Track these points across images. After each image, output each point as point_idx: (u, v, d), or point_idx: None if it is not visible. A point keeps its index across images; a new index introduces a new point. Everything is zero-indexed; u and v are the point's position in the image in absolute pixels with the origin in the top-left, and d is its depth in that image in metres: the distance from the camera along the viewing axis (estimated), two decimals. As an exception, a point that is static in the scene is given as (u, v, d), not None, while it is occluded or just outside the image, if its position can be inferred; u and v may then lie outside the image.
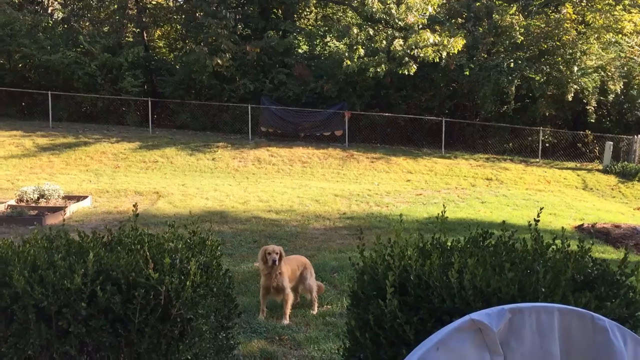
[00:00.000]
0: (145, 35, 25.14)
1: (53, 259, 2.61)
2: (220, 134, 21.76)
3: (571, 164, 20.51)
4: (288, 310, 5.87)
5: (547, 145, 21.49)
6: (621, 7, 21.31)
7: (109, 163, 17.27)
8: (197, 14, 23.07)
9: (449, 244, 3.06)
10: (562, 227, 2.93)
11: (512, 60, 20.89)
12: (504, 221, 3.19)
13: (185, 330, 2.60)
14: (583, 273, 2.62)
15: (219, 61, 20.97)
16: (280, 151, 19.24)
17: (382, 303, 2.50)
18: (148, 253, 2.54)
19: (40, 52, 22.13)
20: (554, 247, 2.90)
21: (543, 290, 2.39)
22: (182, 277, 2.59)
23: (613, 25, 21.31)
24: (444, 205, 3.31)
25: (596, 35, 21.37)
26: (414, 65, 19.99)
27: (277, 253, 5.76)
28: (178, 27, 25.79)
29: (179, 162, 17.81)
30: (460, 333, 2.10)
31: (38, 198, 11.45)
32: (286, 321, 5.78)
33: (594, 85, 20.40)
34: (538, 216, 2.92)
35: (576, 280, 2.58)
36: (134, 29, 25.77)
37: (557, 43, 20.86)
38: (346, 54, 20.15)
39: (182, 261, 2.65)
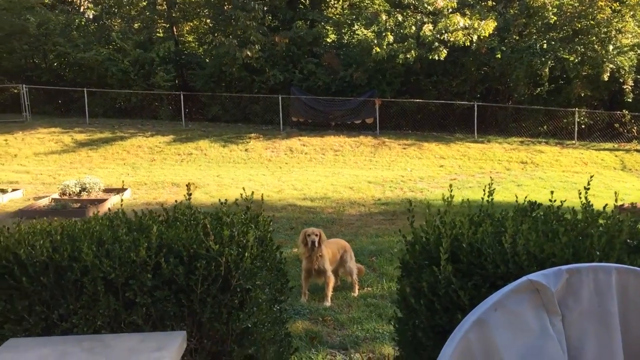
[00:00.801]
0: (175, 30, 25.46)
1: (117, 235, 2.74)
2: (252, 125, 21.98)
3: (608, 145, 20.09)
4: (330, 292, 5.96)
5: (582, 126, 21.08)
6: (658, -18, 20.71)
7: (145, 156, 17.63)
8: (226, 7, 23.25)
9: (497, 215, 3.09)
10: (616, 193, 2.93)
11: (545, 41, 20.51)
12: (552, 191, 3.20)
13: (244, 300, 2.70)
14: (637, 238, 2.63)
15: (249, 53, 21.13)
16: (311, 140, 19.34)
17: (436, 269, 2.55)
18: (209, 226, 2.65)
19: (74, 50, 22.68)
20: (605, 214, 2.91)
21: (598, 253, 2.41)
22: (240, 250, 2.69)
23: (650, 2, 20.74)
24: (491, 178, 3.34)
25: (632, 13, 20.80)
26: (444, 50, 19.78)
27: (316, 235, 5.82)
28: (207, 20, 26.03)
29: (212, 154, 18.07)
30: (517, 294, 2.13)
31: (80, 191, 11.80)
32: (328, 303, 5.86)
33: (631, 64, 19.92)
34: (588, 184, 2.92)
35: (629, 245, 2.59)
36: (164, 24, 26.14)
37: (592, 22, 20.40)
38: (375, 41, 20.05)
39: (239, 234, 2.75)
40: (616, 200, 2.83)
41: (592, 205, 2.96)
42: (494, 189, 3.18)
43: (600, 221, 2.88)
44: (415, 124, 21.91)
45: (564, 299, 2.09)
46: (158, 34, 25.83)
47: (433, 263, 2.62)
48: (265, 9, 22.96)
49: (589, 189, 2.92)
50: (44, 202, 11.22)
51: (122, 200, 3.71)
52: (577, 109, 20.75)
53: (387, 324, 5.27)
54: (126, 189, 12.43)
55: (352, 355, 4.56)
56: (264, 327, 2.82)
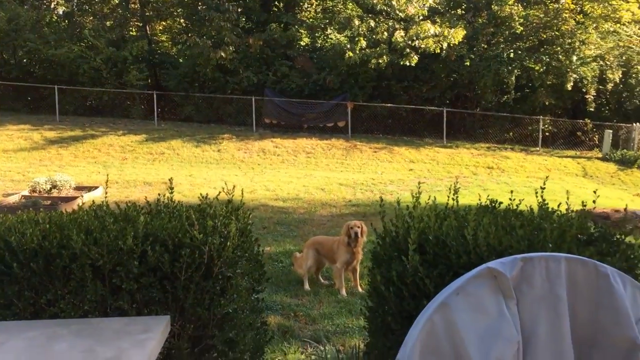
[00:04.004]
0: (148, 29, 25.32)
1: (105, 224, 2.87)
2: (225, 126, 22.01)
3: (571, 152, 20.78)
4: (359, 280, 6.32)
5: (547, 134, 21.75)
6: (619, -4, 21.53)
7: (117, 155, 17.52)
8: (200, 7, 23.25)
9: (461, 212, 3.33)
10: (567, 191, 3.19)
11: (511, 51, 21.12)
12: (511, 191, 3.46)
13: (226, 286, 2.87)
14: (586, 233, 2.89)
15: (222, 54, 21.18)
16: (284, 142, 19.50)
17: (404, 259, 2.77)
18: (193, 216, 2.81)
19: (45, 46, 22.38)
20: (559, 212, 3.18)
21: (550, 245, 2.65)
22: (222, 239, 2.86)
23: (611, 15, 21.53)
24: (456, 177, 3.57)
25: (595, 25, 21.59)
26: (415, 57, 20.18)
27: (358, 227, 6.07)
28: (181, 20, 25.96)
29: (185, 154, 18.06)
30: (477, 280, 2.35)
31: (50, 189, 11.71)
32: (360, 289, 6.20)
33: (593, 74, 20.65)
34: (544, 184, 3.18)
35: (579, 239, 2.85)
36: (137, 23, 25.95)
37: (556, 33, 21.10)
38: (348, 46, 20.34)
39: (221, 225, 2.92)
40: (566, 202, 3.09)
41: (547, 203, 3.22)
42: (459, 187, 3.42)
43: (555, 216, 3.15)
44: (386, 128, 22.27)
45: (518, 285, 2.32)
46: (131, 33, 25.64)
47: (402, 254, 2.84)
48: (239, 10, 23.02)
49: (544, 188, 3.18)
50: (13, 199, 11.11)
51: (106, 194, 3.83)
52: (541, 116, 21.41)
53: (356, 319, 5.48)
54: (97, 187, 12.39)
55: (323, 347, 4.74)
56: (243, 314, 2.99)
